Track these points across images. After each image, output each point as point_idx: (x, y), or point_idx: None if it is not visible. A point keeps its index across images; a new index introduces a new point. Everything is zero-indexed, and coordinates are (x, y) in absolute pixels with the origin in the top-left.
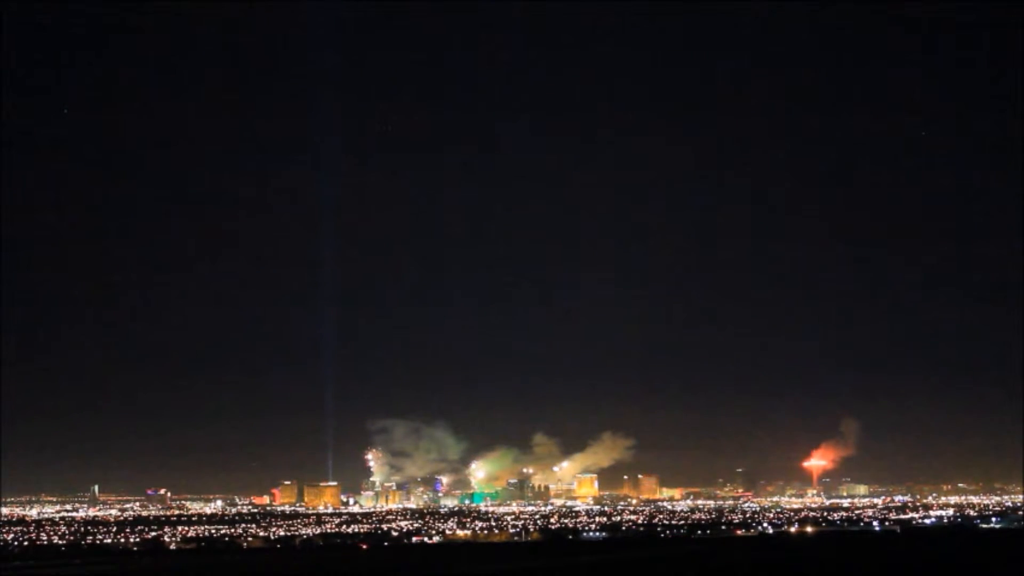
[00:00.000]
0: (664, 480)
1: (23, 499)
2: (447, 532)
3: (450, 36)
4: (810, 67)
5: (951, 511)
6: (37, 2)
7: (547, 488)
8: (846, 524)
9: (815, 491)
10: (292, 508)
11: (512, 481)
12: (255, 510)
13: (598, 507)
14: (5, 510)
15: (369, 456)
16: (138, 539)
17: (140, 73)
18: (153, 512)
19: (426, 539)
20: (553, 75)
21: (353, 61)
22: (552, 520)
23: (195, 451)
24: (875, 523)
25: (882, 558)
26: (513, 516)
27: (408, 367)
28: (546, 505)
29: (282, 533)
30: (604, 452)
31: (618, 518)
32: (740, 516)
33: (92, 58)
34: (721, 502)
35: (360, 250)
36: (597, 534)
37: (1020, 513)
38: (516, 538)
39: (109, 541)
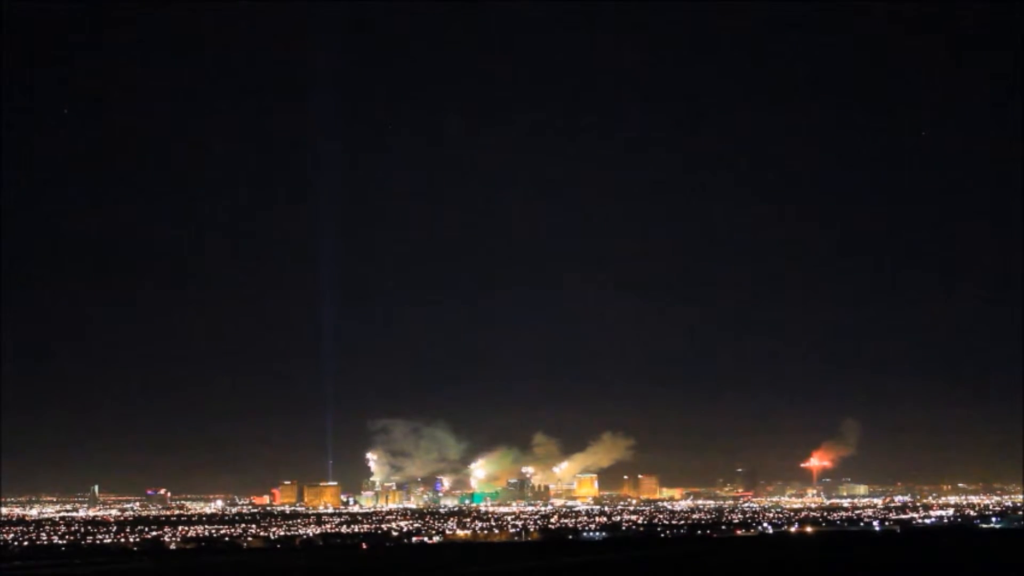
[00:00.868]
0: (664, 480)
1: (23, 499)
2: (447, 532)
3: (450, 36)
4: (810, 67)
5: (951, 511)
6: (37, 2)
7: (547, 488)
8: (846, 524)
9: (815, 491)
10: (292, 508)
11: (512, 481)
12: (255, 510)
13: (598, 507)
14: (5, 510)
15: (369, 456)
16: (138, 539)
17: (140, 73)
18: (153, 512)
19: (426, 539)
20: (554, 75)
21: (353, 61)
22: (552, 520)
23: (195, 451)
24: (875, 523)
25: (882, 558)
26: (513, 516)
27: (408, 367)
28: (546, 505)
29: (282, 533)
30: (604, 452)
31: (618, 518)
32: (740, 516)
33: (92, 58)
34: (721, 502)
35: (360, 250)
36: (597, 534)
37: (1020, 513)
38: (516, 538)
39: (109, 541)
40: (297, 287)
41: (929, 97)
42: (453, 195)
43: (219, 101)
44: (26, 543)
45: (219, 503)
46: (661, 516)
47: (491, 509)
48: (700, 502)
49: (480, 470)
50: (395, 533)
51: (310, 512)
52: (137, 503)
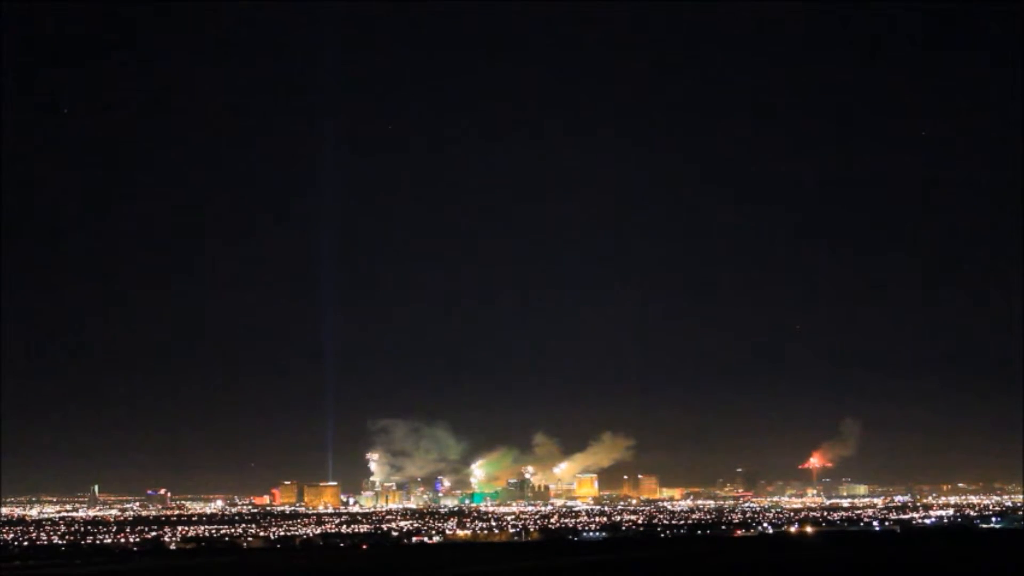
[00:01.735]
0: (664, 480)
1: (23, 499)
2: (447, 532)
3: (450, 36)
4: (810, 67)
5: (951, 511)
6: (37, 2)
7: (547, 488)
8: (846, 524)
9: (815, 491)
10: (292, 508)
11: (512, 481)
12: (255, 510)
13: (598, 507)
14: (5, 510)
15: (369, 456)
16: (138, 539)
17: (140, 73)
18: (153, 512)
19: (426, 539)
20: (554, 74)
21: (353, 61)
22: (552, 520)
23: (195, 451)
24: (875, 523)
25: (882, 558)
26: (513, 516)
27: (408, 367)
28: (546, 505)
29: (282, 533)
30: (604, 452)
31: (618, 518)
32: (740, 516)
33: (92, 58)
34: (721, 502)
35: (360, 250)
36: (597, 534)
37: (1020, 513)
38: (516, 538)
39: (109, 541)
40: (297, 287)
41: (930, 98)
42: (454, 195)
43: (219, 101)
44: (26, 543)
45: (219, 503)
46: (661, 516)
47: (491, 509)
48: (700, 502)
49: (480, 470)
50: (395, 533)
51: (310, 512)
52: (137, 503)
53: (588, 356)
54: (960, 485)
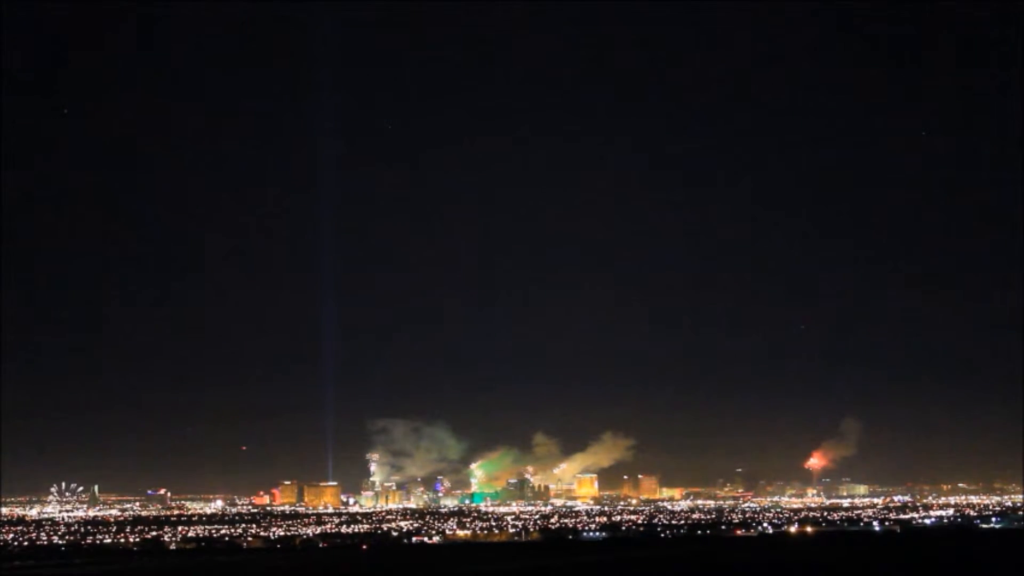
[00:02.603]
0: (664, 480)
1: (23, 499)
2: (447, 532)
3: (451, 36)
4: (810, 67)
5: (951, 511)
6: (37, 2)
7: (547, 488)
8: (846, 524)
9: (815, 491)
10: (292, 508)
11: (512, 481)
12: (255, 510)
13: (598, 507)
14: (5, 510)
15: (370, 456)
16: (138, 539)
17: (140, 73)
18: (153, 512)
19: (426, 539)
20: (554, 75)
21: (353, 61)
22: (552, 520)
23: (195, 451)
24: (875, 523)
25: (882, 558)
26: (513, 516)
27: (408, 367)
28: (546, 505)
29: (282, 533)
30: (604, 452)
31: (618, 518)
32: (740, 516)
33: (92, 58)
34: (721, 502)
35: (360, 249)
36: (597, 534)
37: (1020, 513)
38: (516, 538)
39: (109, 541)
40: (297, 287)
41: (929, 97)
42: (453, 195)
43: (219, 101)
44: (26, 543)
45: (219, 503)
46: (661, 516)
47: (491, 509)
48: (700, 502)
49: (480, 470)
50: (395, 533)
51: (310, 512)
52: (137, 503)
53: (588, 356)
54: (960, 485)
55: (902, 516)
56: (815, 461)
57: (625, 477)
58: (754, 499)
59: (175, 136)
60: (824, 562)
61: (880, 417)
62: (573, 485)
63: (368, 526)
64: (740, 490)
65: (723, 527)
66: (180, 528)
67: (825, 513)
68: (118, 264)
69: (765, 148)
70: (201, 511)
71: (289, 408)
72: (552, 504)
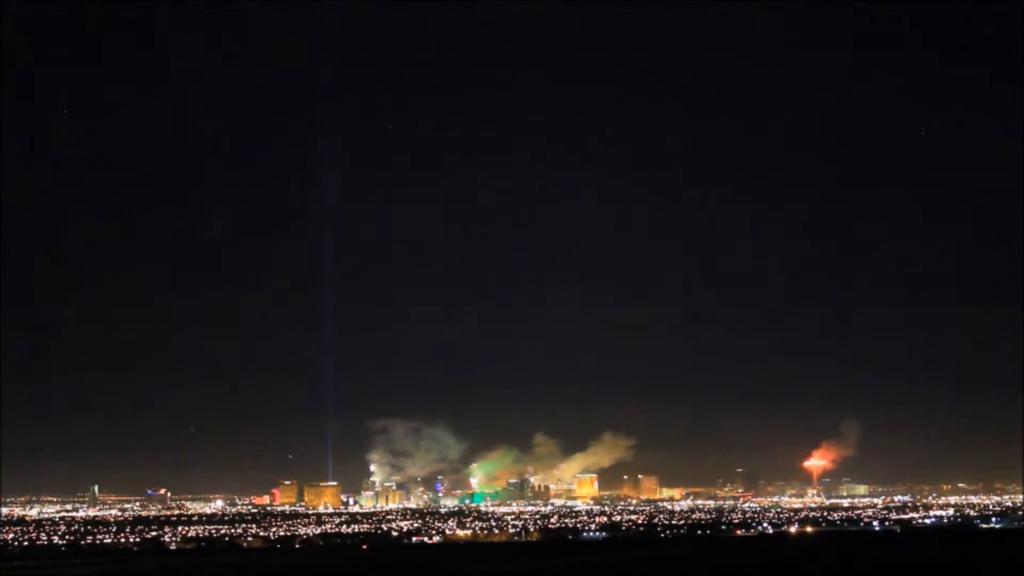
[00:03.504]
0: (664, 480)
1: (23, 499)
2: (447, 532)
3: (450, 36)
4: (810, 66)
5: (951, 511)
6: (37, 2)
7: (547, 488)
8: (846, 524)
9: (815, 491)
10: (292, 508)
11: (512, 481)
12: (255, 510)
13: (598, 507)
14: (5, 510)
15: (370, 457)
16: (138, 539)
17: (140, 73)
18: (153, 512)
19: (426, 539)
20: (554, 75)
21: (353, 61)
22: (552, 520)
23: (195, 451)
24: (875, 523)
25: (882, 558)
26: (513, 516)
27: (408, 367)
28: (546, 505)
29: (282, 533)
30: (604, 452)
31: (618, 518)
32: (740, 516)
33: (92, 58)
34: (721, 502)
35: (360, 250)
36: (597, 534)
37: (1020, 513)
38: (516, 538)
39: (109, 541)
40: (297, 287)
41: (929, 97)
42: (453, 195)
43: (219, 101)
44: (26, 543)
45: (219, 503)
46: (661, 516)
47: (491, 509)
48: (700, 502)
49: (480, 470)
50: (395, 533)
51: (310, 512)
52: (137, 503)
53: (588, 356)
54: (960, 485)
55: (902, 516)
56: (815, 461)
57: (625, 477)
58: (754, 499)
59: (175, 136)
60: (824, 562)
61: (880, 417)
62: (573, 485)
63: (368, 526)
64: (740, 490)
65: (723, 527)
66: (180, 528)
67: (825, 513)
68: (118, 264)
69: (765, 148)
70: (201, 511)
71: (289, 408)
72: (552, 504)
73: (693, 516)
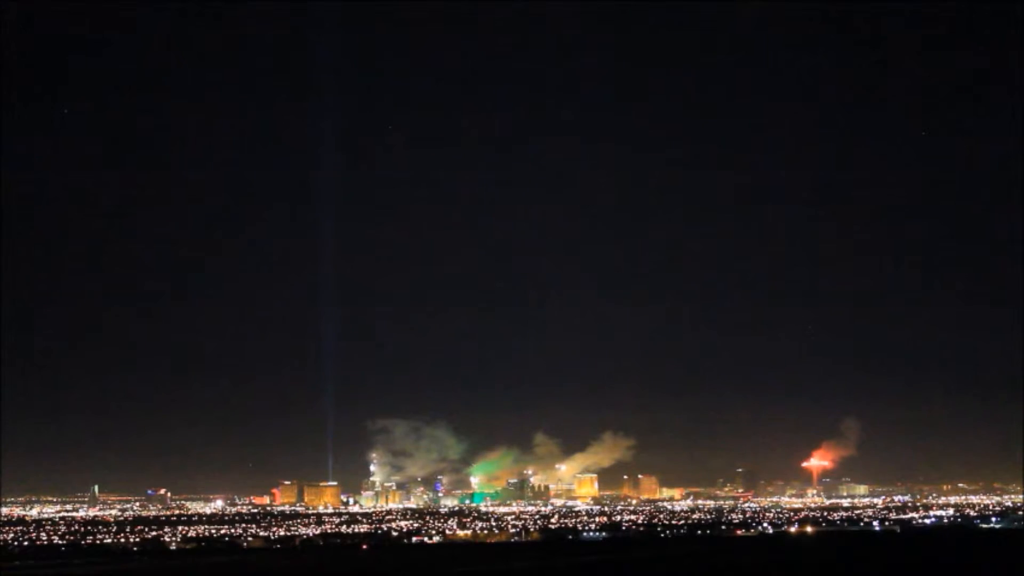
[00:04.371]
0: (664, 480)
1: (23, 499)
2: (447, 532)
3: (450, 36)
4: (810, 66)
5: (951, 511)
6: (37, 2)
7: (547, 488)
8: (846, 524)
9: (815, 491)
10: (292, 508)
11: (512, 481)
12: (255, 510)
13: (598, 507)
14: (5, 510)
15: (370, 457)
16: (138, 539)
17: (140, 73)
18: (153, 512)
19: (426, 539)
20: (553, 75)
21: (353, 61)
22: (552, 520)
23: (195, 451)
24: (875, 523)
25: (882, 558)
26: (513, 516)
27: (408, 367)
28: (546, 505)
29: (282, 533)
30: (604, 452)
31: (618, 518)
32: (740, 516)
33: (92, 58)
34: (721, 502)
35: (360, 250)
36: (597, 534)
37: (1020, 513)
38: (516, 538)
39: (109, 541)
40: (297, 287)
41: (929, 96)
42: (453, 196)
43: (219, 101)
44: (26, 543)
45: (219, 503)
46: (661, 516)
47: (491, 509)
48: (700, 502)
49: (480, 470)
50: (395, 533)
51: (310, 512)
52: (137, 503)
53: (588, 356)
54: (960, 485)
55: (902, 516)
56: (815, 461)
57: (625, 477)
58: (754, 499)
59: (175, 136)
60: (824, 562)
61: (881, 417)
62: (573, 485)
63: (368, 526)
64: (740, 490)
65: (723, 527)
66: (180, 528)
67: (825, 513)
68: (118, 264)
69: (765, 147)
70: (201, 511)
71: (289, 408)
72: (552, 504)
73: (693, 516)
